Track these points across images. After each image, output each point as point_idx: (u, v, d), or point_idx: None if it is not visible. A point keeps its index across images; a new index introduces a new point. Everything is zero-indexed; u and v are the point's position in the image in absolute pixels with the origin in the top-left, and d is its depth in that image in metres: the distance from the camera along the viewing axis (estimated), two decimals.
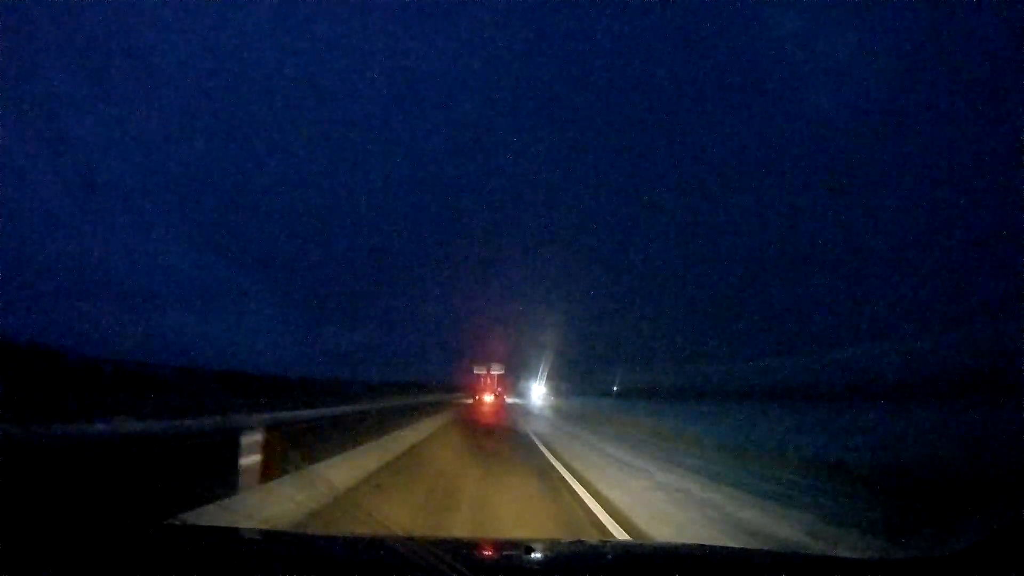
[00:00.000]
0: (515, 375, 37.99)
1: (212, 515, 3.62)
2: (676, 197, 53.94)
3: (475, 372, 32.23)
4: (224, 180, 61.92)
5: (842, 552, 3.88)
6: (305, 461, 5.90)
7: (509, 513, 5.22)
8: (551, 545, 2.11)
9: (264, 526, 3.74)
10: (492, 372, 31.80)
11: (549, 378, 37.73)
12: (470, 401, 33.04)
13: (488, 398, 31.16)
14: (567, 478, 7.09)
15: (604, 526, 4.70)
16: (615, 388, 31.77)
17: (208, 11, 53.90)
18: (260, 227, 65.17)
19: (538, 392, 37.46)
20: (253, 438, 4.38)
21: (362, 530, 3.20)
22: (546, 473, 7.52)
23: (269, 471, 4.46)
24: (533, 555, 1.77)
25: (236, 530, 2.73)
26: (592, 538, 4.03)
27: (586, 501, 5.63)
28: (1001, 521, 1.55)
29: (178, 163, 58.70)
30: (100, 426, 9.32)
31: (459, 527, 4.56)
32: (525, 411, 29.96)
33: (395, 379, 49.25)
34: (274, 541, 2.28)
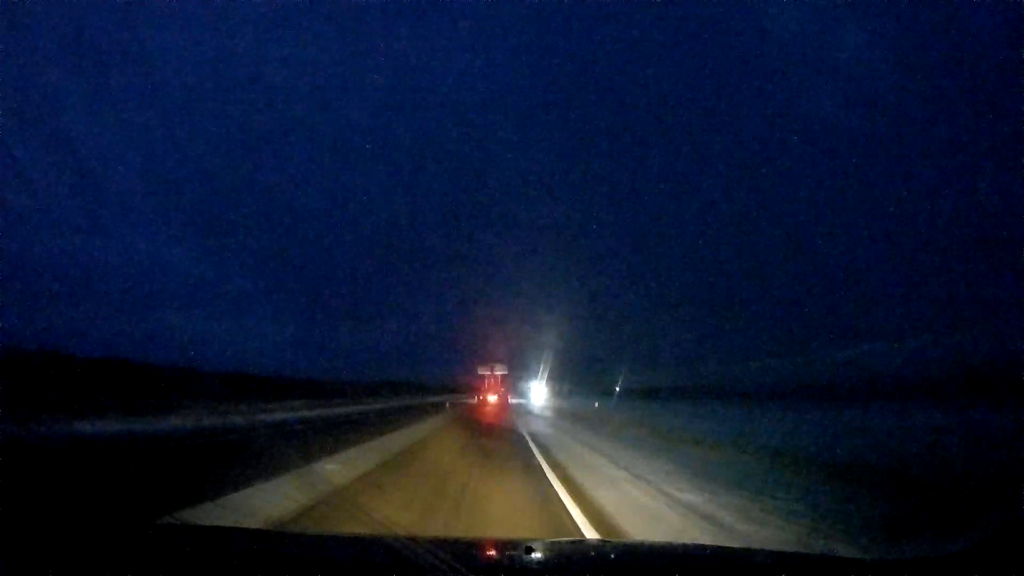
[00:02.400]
0: (518, 375, 37.96)
1: (211, 512, 3.64)
2: (678, 197, 53.86)
3: (479, 372, 32.36)
4: (224, 180, 61.89)
5: (842, 552, 3.86)
6: (304, 459, 5.92)
7: (497, 508, 5.26)
8: (551, 545, 2.10)
9: (261, 523, 3.75)
10: (496, 372, 31.87)
11: (552, 378, 37.69)
12: (473, 401, 33.13)
13: (492, 398, 31.27)
14: (549, 475, 7.16)
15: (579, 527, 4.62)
16: (617, 388, 31.79)
17: (208, 11, 53.91)
18: (260, 227, 65.05)
19: (541, 392, 37.42)
20: None
21: (362, 530, 3.21)
22: (536, 472, 7.57)
23: None
24: (533, 555, 1.76)
25: (237, 530, 2.74)
26: (592, 538, 4.03)
27: (565, 501, 5.58)
28: (1001, 521, 1.55)
29: (178, 163, 58.53)
30: (97, 426, 9.33)
31: (453, 521, 4.58)
32: (527, 411, 29.98)
33: (398, 379, 49.14)
34: (274, 541, 2.29)
